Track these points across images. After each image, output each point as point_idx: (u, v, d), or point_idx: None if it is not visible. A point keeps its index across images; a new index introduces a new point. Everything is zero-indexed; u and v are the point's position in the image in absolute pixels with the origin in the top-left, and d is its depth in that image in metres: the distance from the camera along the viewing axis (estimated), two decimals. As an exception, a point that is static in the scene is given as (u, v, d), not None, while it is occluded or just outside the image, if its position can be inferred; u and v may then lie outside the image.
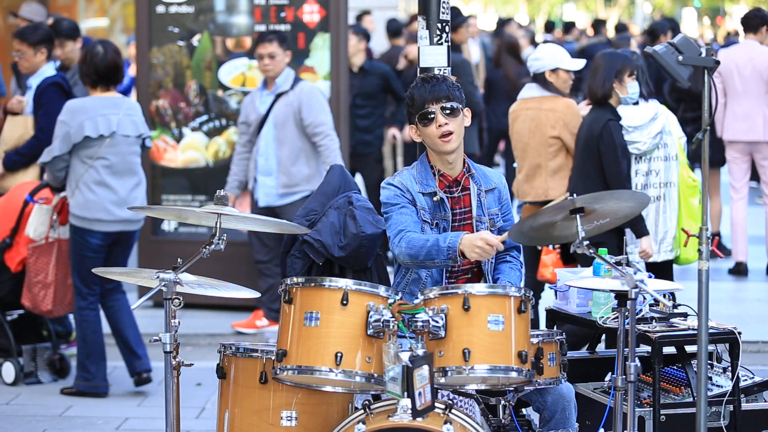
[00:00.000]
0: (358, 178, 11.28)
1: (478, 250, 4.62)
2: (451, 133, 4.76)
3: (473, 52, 14.09)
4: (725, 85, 10.51)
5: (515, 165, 7.91)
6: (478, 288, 4.35)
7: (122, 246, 7.46)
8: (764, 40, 10.64)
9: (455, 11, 11.44)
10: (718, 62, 4.52)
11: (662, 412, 5.33)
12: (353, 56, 11.10)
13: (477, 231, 4.84)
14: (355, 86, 10.94)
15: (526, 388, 4.64)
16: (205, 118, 9.69)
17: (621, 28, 19.48)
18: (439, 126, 4.74)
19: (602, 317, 5.55)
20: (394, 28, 14.50)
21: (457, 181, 4.88)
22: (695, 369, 4.79)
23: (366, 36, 11.93)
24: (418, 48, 5.83)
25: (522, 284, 4.98)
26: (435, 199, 4.82)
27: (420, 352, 4.19)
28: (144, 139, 7.47)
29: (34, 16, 9.80)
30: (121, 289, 7.61)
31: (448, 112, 4.76)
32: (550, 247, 7.31)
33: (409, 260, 4.72)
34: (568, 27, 20.99)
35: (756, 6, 17.56)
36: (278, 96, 8.68)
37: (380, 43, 16.22)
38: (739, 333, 5.48)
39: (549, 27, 22.82)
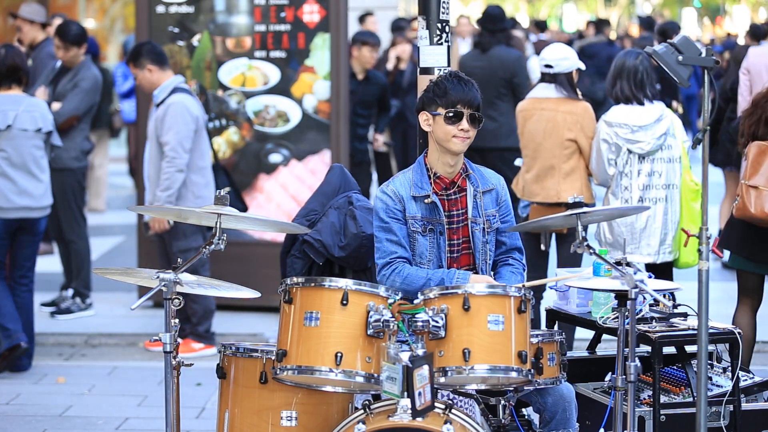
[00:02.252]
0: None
1: None
2: (467, 138, 4.80)
3: (463, 51, 14.06)
4: (753, 83, 10.37)
5: (516, 163, 7.86)
6: (478, 288, 4.36)
7: (28, 233, 7.87)
8: None
9: (499, 17, 10.74)
10: (717, 62, 4.52)
11: (662, 412, 5.33)
12: (367, 64, 10.88)
13: (472, 232, 4.88)
14: (357, 94, 10.67)
15: (525, 388, 4.65)
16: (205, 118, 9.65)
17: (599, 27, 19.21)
18: (461, 129, 4.79)
19: (602, 317, 5.56)
20: (399, 27, 14.46)
21: (453, 183, 4.89)
22: (695, 369, 4.79)
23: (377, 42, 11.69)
24: (418, 48, 5.83)
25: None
26: (427, 201, 4.82)
27: (420, 352, 4.20)
28: (47, 134, 7.84)
29: (34, 17, 9.80)
30: (30, 288, 7.97)
31: (473, 119, 4.79)
32: None
33: (403, 292, 4.73)
34: (601, 25, 20.30)
35: None
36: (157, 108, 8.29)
37: (382, 45, 16.20)
38: (739, 333, 5.48)
39: (542, 26, 22.65)
